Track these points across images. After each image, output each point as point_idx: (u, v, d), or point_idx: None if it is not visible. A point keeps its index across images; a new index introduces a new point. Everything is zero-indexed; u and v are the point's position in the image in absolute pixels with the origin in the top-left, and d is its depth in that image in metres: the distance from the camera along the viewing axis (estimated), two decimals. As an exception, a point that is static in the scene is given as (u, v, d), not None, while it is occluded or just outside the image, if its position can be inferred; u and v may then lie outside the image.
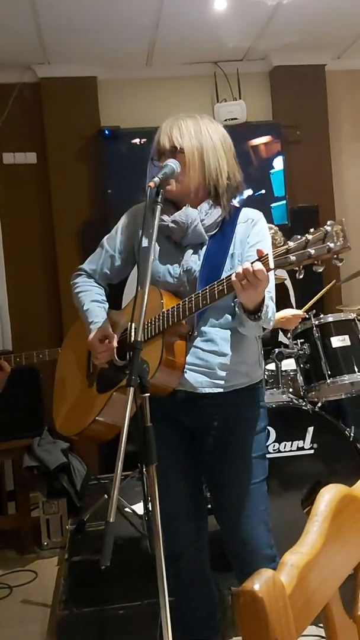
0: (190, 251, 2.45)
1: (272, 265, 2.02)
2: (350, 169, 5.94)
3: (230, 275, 2.13)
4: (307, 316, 3.85)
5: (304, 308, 4.03)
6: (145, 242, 2.49)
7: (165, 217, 2.43)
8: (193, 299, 2.25)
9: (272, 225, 4.06)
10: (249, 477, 2.46)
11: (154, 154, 2.48)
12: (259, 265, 2.03)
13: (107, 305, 2.63)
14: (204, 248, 2.45)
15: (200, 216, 2.43)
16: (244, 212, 2.52)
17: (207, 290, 2.21)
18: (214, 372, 2.40)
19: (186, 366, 2.37)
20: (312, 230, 2.00)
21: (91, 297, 2.61)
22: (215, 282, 2.20)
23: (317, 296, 4.25)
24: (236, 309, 2.32)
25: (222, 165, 2.45)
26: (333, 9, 4.79)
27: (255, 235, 2.46)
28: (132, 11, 4.54)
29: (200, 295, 2.23)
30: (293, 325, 3.86)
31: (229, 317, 2.42)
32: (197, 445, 2.51)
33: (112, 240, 2.63)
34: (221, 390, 2.41)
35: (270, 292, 2.24)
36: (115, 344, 2.46)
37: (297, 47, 5.41)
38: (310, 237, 1.98)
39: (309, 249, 1.97)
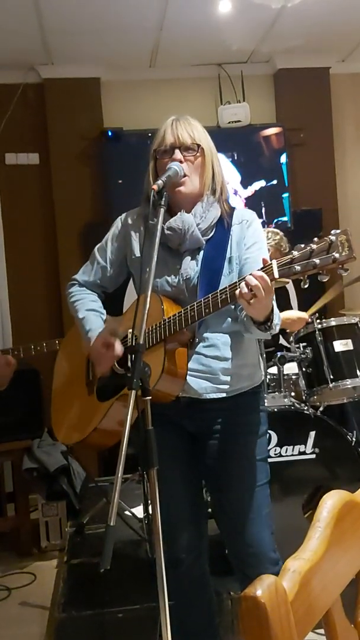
0: (188, 258, 2.43)
1: (276, 275, 2.00)
2: (354, 173, 5.94)
3: (234, 283, 2.12)
4: (310, 320, 3.84)
5: (309, 311, 4.00)
6: (137, 252, 2.49)
7: (162, 211, 2.39)
8: (195, 307, 2.23)
9: (278, 231, 4.04)
10: (253, 480, 2.45)
11: (162, 148, 2.43)
12: (264, 277, 2.02)
13: (104, 314, 2.61)
14: (201, 253, 2.44)
15: (196, 220, 2.41)
16: (237, 213, 2.50)
17: (210, 299, 2.19)
18: (217, 378, 2.39)
19: (189, 372, 2.36)
20: (316, 239, 1.98)
21: (86, 306, 2.58)
22: (218, 291, 2.18)
23: (323, 300, 4.22)
24: (244, 318, 2.30)
25: (222, 171, 2.51)
26: (338, 12, 4.79)
27: (250, 236, 2.45)
28: (136, 13, 4.55)
29: (202, 303, 2.21)
30: (297, 328, 3.86)
31: (230, 320, 2.41)
32: (199, 449, 2.50)
33: (102, 251, 2.62)
34: (225, 395, 2.40)
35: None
36: (119, 350, 2.41)
37: (302, 50, 5.41)
38: (314, 246, 1.96)
39: (313, 259, 1.95)
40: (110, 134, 5.35)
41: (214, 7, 4.58)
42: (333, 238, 1.94)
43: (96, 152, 5.45)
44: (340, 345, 3.66)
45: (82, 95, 5.44)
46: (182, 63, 5.54)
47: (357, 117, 5.95)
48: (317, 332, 3.70)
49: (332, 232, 1.96)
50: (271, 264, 2.02)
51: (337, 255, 1.93)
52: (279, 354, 3.70)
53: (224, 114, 5.49)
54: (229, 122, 5.46)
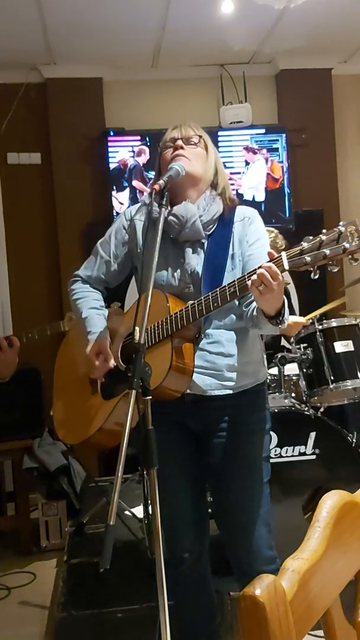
0: (190, 250, 2.45)
1: (286, 267, 2.02)
2: (356, 174, 5.93)
3: (242, 277, 2.14)
4: (309, 323, 3.83)
5: (307, 316, 3.99)
6: (142, 245, 2.50)
7: (163, 211, 2.41)
8: (203, 301, 2.24)
9: (273, 229, 4.04)
10: (255, 479, 2.46)
11: (165, 142, 2.51)
12: (274, 268, 2.02)
13: (106, 312, 2.61)
14: (204, 248, 2.45)
15: (199, 212, 2.44)
16: (239, 211, 2.53)
17: (218, 293, 2.20)
18: (222, 374, 2.40)
19: (194, 369, 2.36)
20: (325, 230, 2.00)
21: (89, 305, 2.59)
22: (226, 284, 2.19)
23: (324, 308, 4.22)
24: (254, 313, 2.30)
25: (225, 172, 2.60)
26: (340, 14, 4.78)
27: (253, 233, 2.48)
28: (139, 13, 4.55)
29: (210, 297, 2.22)
30: (294, 332, 3.85)
31: (234, 317, 2.42)
32: (202, 447, 2.50)
33: (106, 245, 2.63)
34: (230, 391, 2.41)
35: None
36: (111, 363, 2.44)
37: (304, 51, 5.41)
38: (324, 237, 1.98)
39: (323, 250, 1.97)
40: (112, 133, 5.35)
41: (217, 7, 4.57)
42: (342, 229, 1.97)
43: (98, 152, 5.45)
44: (340, 346, 3.65)
45: (84, 95, 5.43)
46: (184, 63, 5.53)
47: (359, 118, 5.94)
48: (317, 333, 3.69)
49: (341, 223, 1.99)
50: (280, 256, 2.03)
51: (347, 245, 1.95)
52: (279, 354, 3.70)
53: (225, 115, 5.48)
54: (231, 123, 5.46)
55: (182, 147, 2.44)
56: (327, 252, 1.96)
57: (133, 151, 5.34)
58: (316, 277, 1.99)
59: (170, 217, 2.40)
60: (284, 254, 2.03)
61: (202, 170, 2.48)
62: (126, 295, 3.90)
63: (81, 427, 2.58)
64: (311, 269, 2.00)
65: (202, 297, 2.25)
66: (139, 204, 2.63)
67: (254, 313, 2.30)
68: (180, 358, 2.31)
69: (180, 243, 2.46)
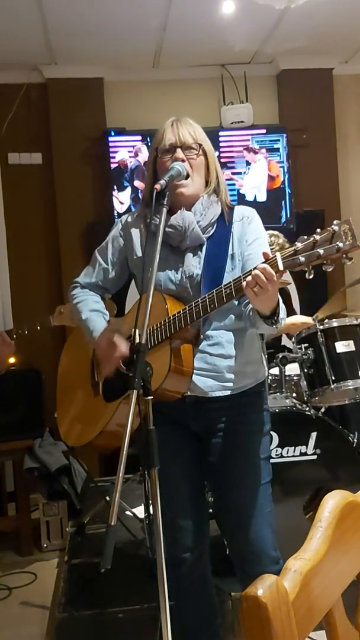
0: (190, 254, 2.45)
1: (281, 267, 2.01)
2: (357, 174, 5.93)
3: (238, 278, 2.14)
4: (314, 323, 3.82)
5: (315, 316, 3.97)
6: (139, 252, 2.50)
7: (164, 211, 2.40)
8: (200, 303, 2.23)
9: (279, 234, 4.02)
10: (256, 478, 2.46)
11: (163, 147, 2.45)
12: (268, 269, 2.02)
13: (107, 314, 2.61)
14: (204, 250, 2.45)
15: (196, 218, 2.43)
16: (237, 211, 2.52)
17: (215, 294, 2.20)
18: (222, 376, 2.40)
19: (195, 371, 2.36)
20: (319, 230, 1.99)
21: (89, 307, 2.59)
22: (222, 286, 2.19)
23: (330, 309, 4.21)
24: (250, 313, 2.30)
25: (221, 171, 2.57)
26: (341, 14, 4.79)
27: (252, 233, 2.47)
28: (140, 13, 4.55)
29: (207, 299, 2.22)
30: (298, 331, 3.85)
31: (233, 317, 2.42)
32: (203, 448, 2.50)
33: (104, 253, 2.63)
34: (230, 392, 2.41)
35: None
36: (124, 348, 2.38)
37: (305, 51, 5.41)
38: (318, 237, 1.98)
39: (317, 249, 1.97)
40: (113, 134, 5.35)
41: (218, 8, 4.57)
42: (336, 228, 1.97)
43: (99, 152, 5.45)
44: (342, 346, 3.64)
45: (85, 95, 5.44)
46: (185, 64, 5.53)
47: (360, 118, 5.95)
48: (319, 333, 3.68)
49: (335, 222, 1.98)
50: (275, 256, 2.02)
51: (340, 244, 1.95)
52: (280, 355, 3.69)
53: (227, 115, 5.48)
54: (232, 123, 5.46)
55: (183, 160, 2.40)
56: (321, 251, 1.96)
57: (132, 151, 5.34)
58: (311, 276, 1.99)
59: (168, 229, 2.39)
60: (278, 254, 2.03)
61: (201, 184, 2.47)
62: (126, 298, 3.90)
63: (84, 429, 2.59)
64: (306, 269, 1.99)
65: (200, 299, 2.25)
66: (135, 212, 2.63)
67: (251, 313, 2.30)
68: (179, 360, 2.31)
69: (182, 249, 2.46)
